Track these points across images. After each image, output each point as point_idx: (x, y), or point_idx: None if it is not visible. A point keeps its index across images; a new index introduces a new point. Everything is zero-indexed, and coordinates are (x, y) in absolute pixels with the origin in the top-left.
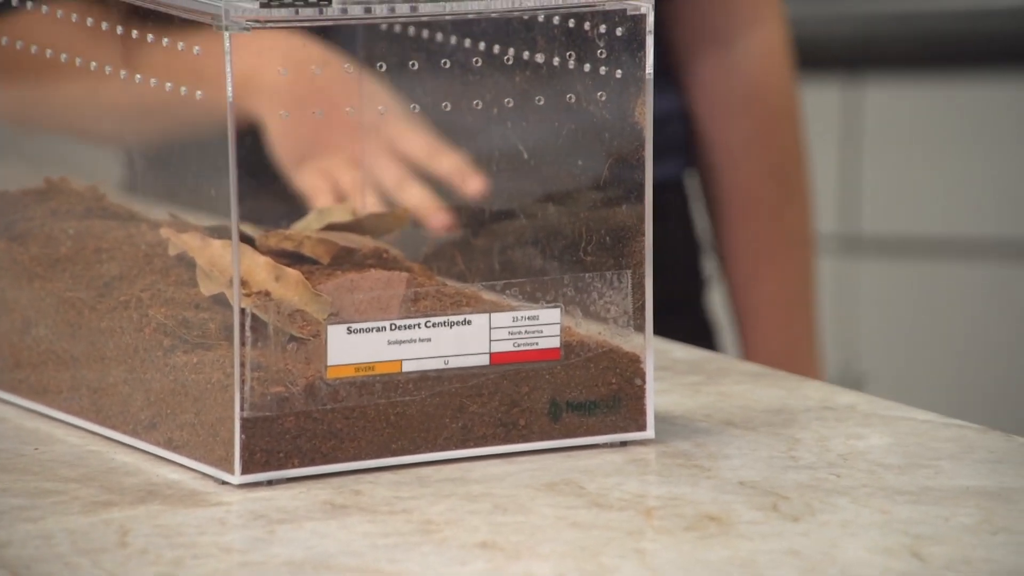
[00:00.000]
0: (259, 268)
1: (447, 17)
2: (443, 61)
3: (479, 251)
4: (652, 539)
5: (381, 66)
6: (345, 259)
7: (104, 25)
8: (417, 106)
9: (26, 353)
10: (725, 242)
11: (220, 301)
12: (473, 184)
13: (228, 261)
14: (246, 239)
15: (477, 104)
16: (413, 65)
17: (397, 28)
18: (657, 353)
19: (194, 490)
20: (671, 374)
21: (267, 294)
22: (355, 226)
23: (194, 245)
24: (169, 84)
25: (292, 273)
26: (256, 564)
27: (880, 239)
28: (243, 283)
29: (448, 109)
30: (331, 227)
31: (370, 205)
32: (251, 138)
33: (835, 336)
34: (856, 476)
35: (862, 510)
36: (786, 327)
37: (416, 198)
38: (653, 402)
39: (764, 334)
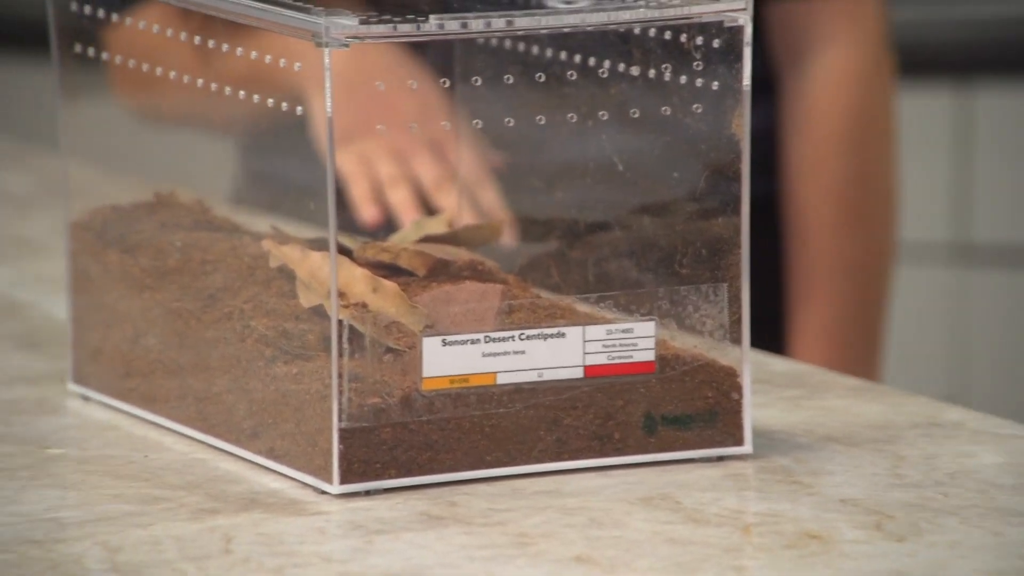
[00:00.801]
0: (357, 280)
1: (543, 31)
2: (538, 75)
3: (574, 263)
4: (751, 556)
5: (476, 80)
6: (441, 271)
7: (211, 42)
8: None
9: (136, 362)
10: (786, 262)
11: (319, 313)
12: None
13: (327, 273)
14: (344, 251)
15: (571, 117)
16: (508, 79)
17: (494, 42)
18: (756, 366)
19: (295, 499)
20: (770, 387)
21: (364, 306)
22: (451, 238)
23: (294, 257)
24: (271, 100)
25: (389, 285)
26: (355, 574)
27: (993, 248)
28: (341, 295)
29: (543, 122)
30: (427, 239)
31: (466, 218)
32: None
33: (945, 348)
34: (965, 496)
35: (972, 531)
36: (837, 352)
37: (398, 197)
38: (751, 416)
39: (812, 359)
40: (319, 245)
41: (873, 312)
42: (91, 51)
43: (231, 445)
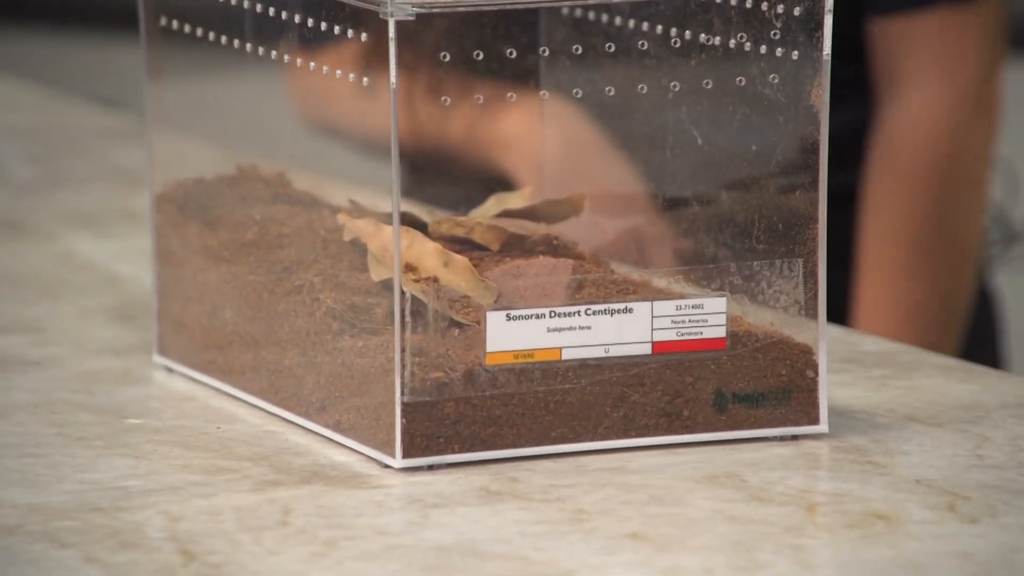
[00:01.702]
0: (428, 254)
1: (615, 1)
2: (608, 44)
3: (654, 239)
4: (812, 536)
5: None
6: (516, 246)
7: (284, 15)
8: (580, 91)
9: (214, 335)
10: (856, 293)
11: (389, 287)
12: None
13: (402, 246)
14: (418, 225)
15: (642, 88)
16: (577, 50)
17: (578, 13)
18: (846, 345)
19: (358, 472)
20: (858, 367)
21: (435, 280)
22: (530, 212)
23: (368, 231)
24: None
25: (459, 259)
26: (406, 547)
27: None
28: (412, 269)
29: (612, 93)
30: (506, 213)
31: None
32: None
33: None
34: None
35: None
36: None
37: None
38: (827, 395)
39: None
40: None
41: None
42: (175, 24)
43: (300, 418)
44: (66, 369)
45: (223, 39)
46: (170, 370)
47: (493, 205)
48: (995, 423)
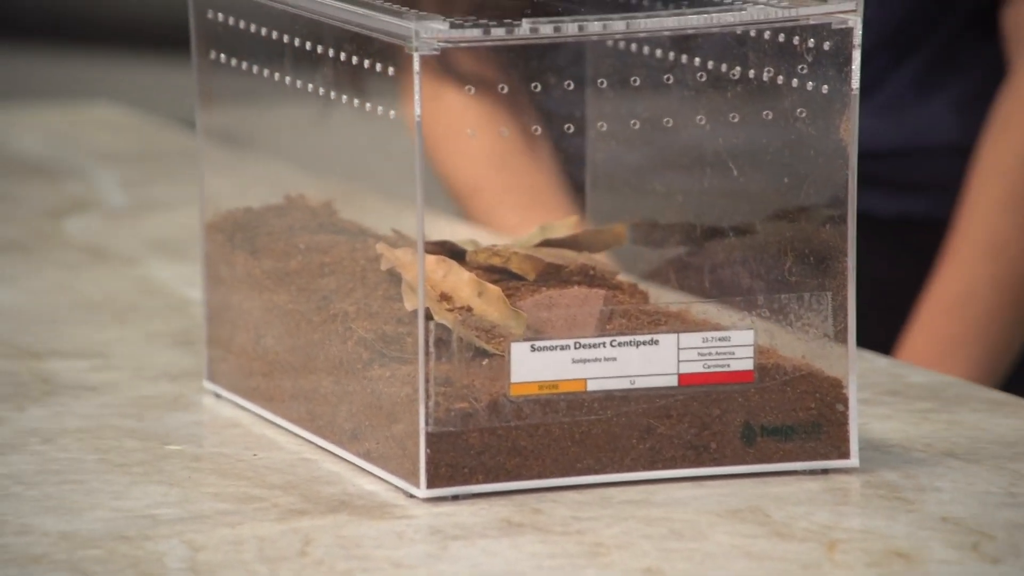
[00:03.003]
0: (464, 284)
1: (640, 35)
2: (633, 79)
3: (692, 269)
4: (828, 573)
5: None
6: (552, 275)
7: (319, 49)
8: (604, 124)
9: (258, 362)
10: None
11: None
12: None
13: (438, 277)
14: (456, 255)
15: (667, 122)
16: (602, 82)
17: (622, 45)
18: (891, 377)
19: (384, 502)
20: (900, 399)
21: (469, 309)
22: (572, 242)
23: (405, 261)
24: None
25: (493, 289)
26: None
27: None
28: (447, 298)
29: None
30: (549, 243)
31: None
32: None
33: None
34: None
35: None
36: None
37: None
38: (857, 428)
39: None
40: (433, 249)
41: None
42: (223, 57)
43: (335, 446)
44: (120, 395)
45: (265, 72)
46: (219, 396)
47: (537, 234)
48: None
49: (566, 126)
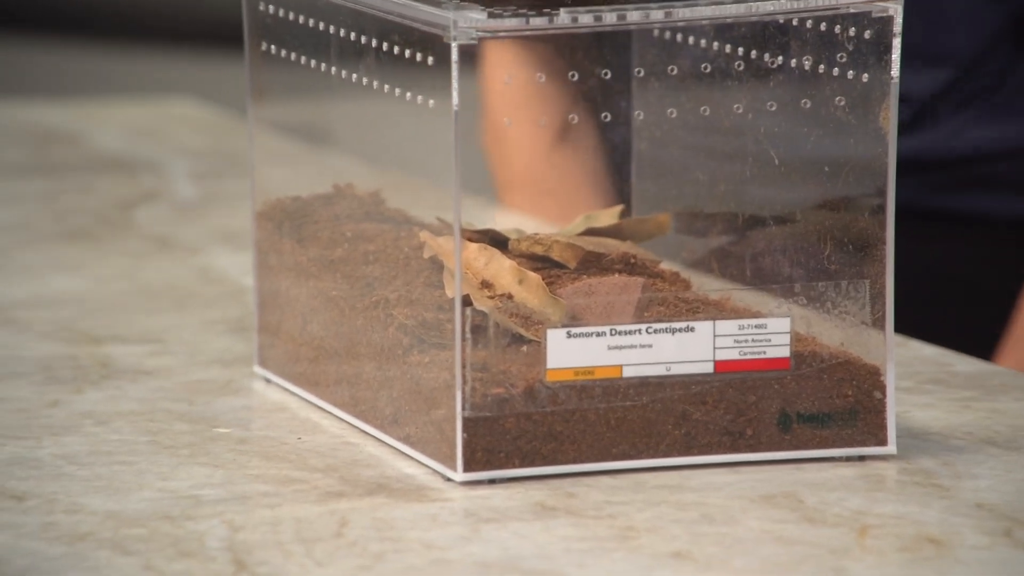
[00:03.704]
0: (505, 272)
1: (679, 23)
2: (671, 67)
3: (734, 257)
4: (857, 558)
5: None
6: (593, 263)
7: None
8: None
9: (304, 348)
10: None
11: (464, 303)
12: None
13: (480, 264)
14: (500, 243)
15: (704, 110)
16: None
17: (667, 35)
18: (937, 366)
19: (422, 485)
20: (943, 388)
21: (510, 296)
22: (615, 231)
23: (448, 249)
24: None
25: (533, 277)
26: (449, 562)
27: None
28: (489, 286)
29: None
30: (591, 231)
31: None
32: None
33: None
34: None
35: None
36: None
37: None
38: (894, 415)
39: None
40: (475, 238)
41: None
42: (273, 49)
43: (376, 430)
44: (174, 379)
45: (313, 63)
46: (268, 381)
47: (582, 223)
48: None
49: (603, 115)
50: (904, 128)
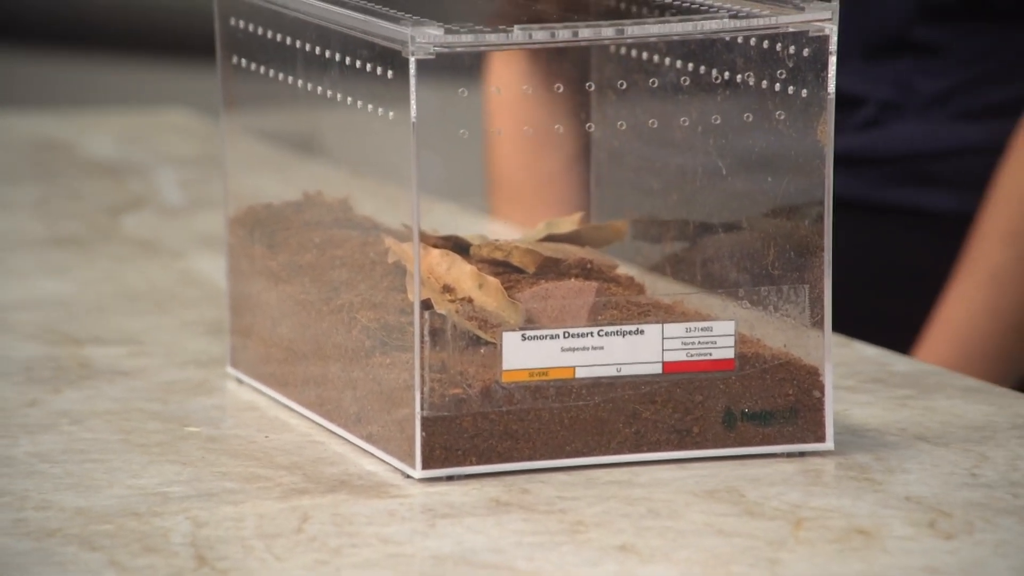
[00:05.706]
0: (465, 276)
1: (628, 41)
2: (619, 83)
3: (686, 263)
4: (790, 549)
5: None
6: (551, 268)
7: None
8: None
9: (274, 349)
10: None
11: (425, 307)
12: None
13: (442, 269)
14: (461, 248)
15: (653, 123)
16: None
17: (623, 50)
18: (876, 366)
19: (382, 482)
20: (882, 387)
21: (470, 300)
22: (574, 237)
23: (410, 254)
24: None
25: (492, 281)
26: (404, 556)
27: None
28: (450, 289)
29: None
30: (552, 237)
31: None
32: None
33: None
34: None
35: None
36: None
37: None
38: (832, 414)
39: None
40: (439, 243)
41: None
42: (243, 62)
43: (341, 429)
44: (149, 379)
45: (281, 76)
46: (240, 381)
47: (542, 229)
48: (999, 443)
49: (556, 126)
50: (867, 125)
